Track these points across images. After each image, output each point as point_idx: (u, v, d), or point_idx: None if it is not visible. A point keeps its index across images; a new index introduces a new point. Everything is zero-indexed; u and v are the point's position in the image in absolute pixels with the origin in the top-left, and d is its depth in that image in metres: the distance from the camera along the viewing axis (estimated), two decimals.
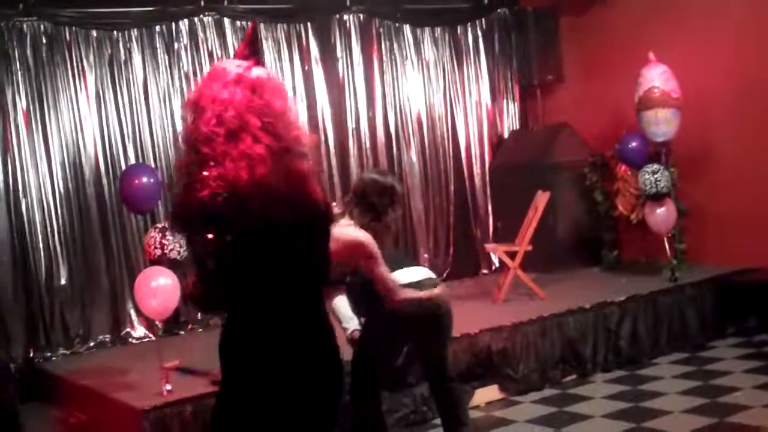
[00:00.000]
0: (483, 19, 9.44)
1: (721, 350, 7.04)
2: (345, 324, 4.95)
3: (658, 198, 7.37)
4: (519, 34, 9.38)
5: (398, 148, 8.91)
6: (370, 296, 4.54)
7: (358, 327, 4.91)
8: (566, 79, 9.27)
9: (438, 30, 9.18)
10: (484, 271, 9.19)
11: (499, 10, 9.50)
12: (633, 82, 7.49)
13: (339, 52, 8.59)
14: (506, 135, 9.56)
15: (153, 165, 7.38)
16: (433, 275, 4.88)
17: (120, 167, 7.33)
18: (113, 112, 7.47)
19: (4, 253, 6.97)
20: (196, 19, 7.85)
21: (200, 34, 7.86)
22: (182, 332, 7.45)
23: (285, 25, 8.29)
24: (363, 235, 4.29)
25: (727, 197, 7.83)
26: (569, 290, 7.63)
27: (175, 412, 5.10)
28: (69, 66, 7.30)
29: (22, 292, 7.03)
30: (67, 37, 7.31)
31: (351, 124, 8.62)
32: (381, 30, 8.85)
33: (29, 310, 7.05)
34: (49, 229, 7.15)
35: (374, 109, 8.77)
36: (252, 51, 2.85)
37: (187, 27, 7.81)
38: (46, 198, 7.17)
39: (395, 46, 8.92)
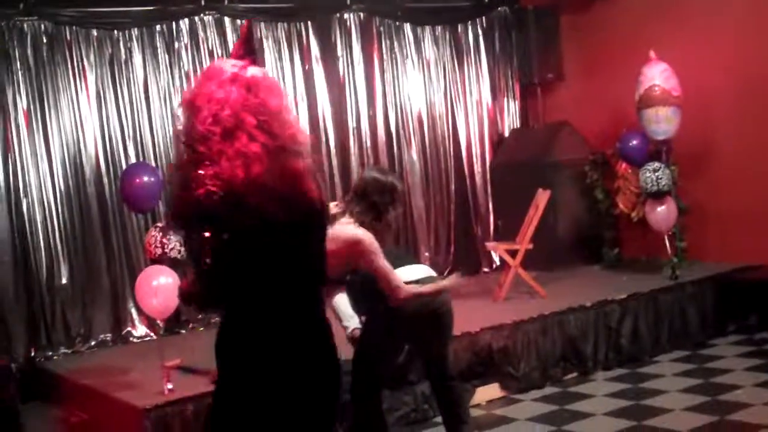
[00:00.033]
0: (483, 18, 9.44)
1: (722, 348, 7.04)
2: (345, 322, 4.95)
3: (658, 196, 7.37)
4: (519, 32, 9.38)
5: (399, 147, 8.91)
6: (370, 294, 4.56)
7: (359, 325, 4.91)
8: (567, 78, 9.27)
9: (438, 28, 9.18)
10: (485, 270, 9.19)
11: (499, 9, 9.50)
12: (633, 80, 7.49)
13: (339, 51, 8.59)
14: (507, 133, 9.56)
15: (153, 164, 7.39)
16: (434, 273, 4.89)
17: (121, 166, 7.34)
18: (114, 112, 7.48)
19: (5, 252, 6.97)
20: (196, 18, 7.85)
21: (200, 34, 7.86)
22: (183, 331, 7.45)
23: (285, 24, 8.29)
24: (362, 233, 4.30)
25: (728, 195, 7.84)
26: (570, 288, 7.63)
27: (176, 411, 5.11)
28: (69, 65, 7.31)
29: (23, 292, 7.04)
30: (68, 37, 7.32)
31: (352, 123, 8.62)
32: (381, 29, 8.85)
33: (30, 310, 7.06)
34: (50, 229, 7.16)
35: (375, 107, 8.77)
36: (247, 50, 2.85)
37: (187, 26, 7.82)
38: (47, 197, 7.17)
39: (396, 44, 8.92)
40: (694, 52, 7.82)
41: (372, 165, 8.46)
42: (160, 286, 5.37)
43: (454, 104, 9.26)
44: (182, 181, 2.62)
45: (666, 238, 7.54)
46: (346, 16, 8.65)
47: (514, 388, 6.33)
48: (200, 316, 7.38)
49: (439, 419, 5.16)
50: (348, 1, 8.62)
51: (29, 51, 7.14)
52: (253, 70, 2.73)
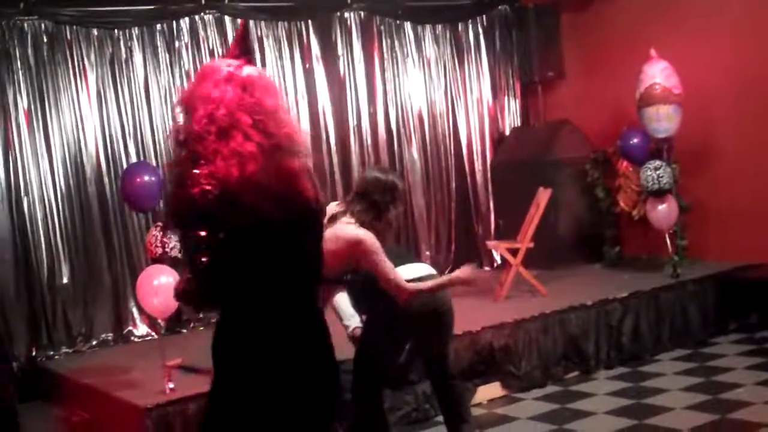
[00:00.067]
0: (484, 16, 9.44)
1: (723, 347, 7.03)
2: (346, 321, 4.95)
3: (660, 194, 7.37)
4: (520, 30, 9.38)
5: (399, 146, 8.91)
6: (371, 294, 4.56)
7: (360, 324, 4.92)
8: (567, 76, 9.27)
9: (439, 27, 9.17)
10: (486, 268, 9.18)
11: (500, 7, 9.49)
12: (634, 79, 7.49)
13: (340, 50, 8.59)
14: (507, 132, 9.56)
15: (154, 163, 7.39)
16: (434, 271, 4.88)
17: (121, 165, 7.34)
18: (114, 111, 7.48)
19: (6, 251, 6.98)
20: (196, 17, 7.85)
21: (201, 33, 7.86)
22: (184, 330, 7.45)
23: (286, 23, 8.29)
24: (363, 233, 4.30)
25: (729, 193, 7.84)
26: (571, 287, 7.63)
27: (177, 411, 5.10)
28: (70, 65, 7.31)
29: (24, 291, 7.04)
30: (68, 36, 7.32)
31: (352, 122, 8.62)
32: (382, 27, 8.85)
33: (31, 309, 7.07)
34: (50, 228, 7.16)
35: (375, 106, 8.77)
36: (243, 50, 2.85)
37: (187, 25, 7.82)
38: (48, 196, 7.18)
39: (396, 43, 8.92)
40: (694, 51, 7.81)
41: (373, 164, 8.46)
42: (161, 286, 5.36)
43: (455, 103, 9.26)
44: (178, 180, 2.63)
45: (667, 236, 7.53)
46: (346, 14, 8.65)
47: (515, 387, 6.33)
48: (201, 315, 7.38)
49: (440, 418, 5.16)
50: (348, 0, 8.62)
51: (30, 50, 7.14)
52: (248, 70, 2.73)
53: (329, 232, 4.30)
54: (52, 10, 7.22)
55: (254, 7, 8.12)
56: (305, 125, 8.29)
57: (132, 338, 7.42)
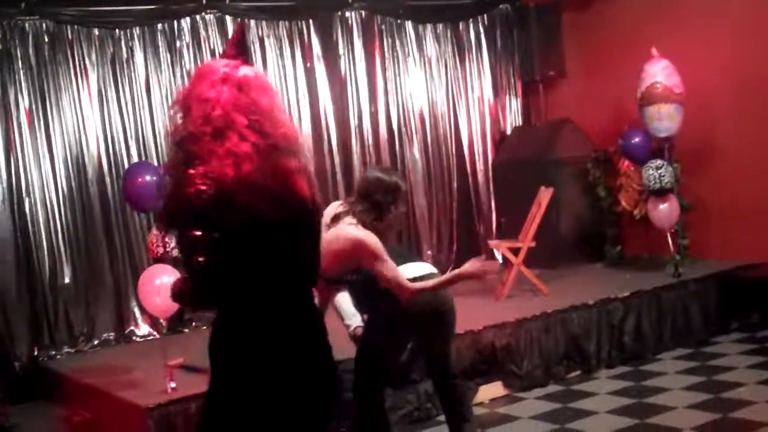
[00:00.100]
0: (485, 15, 9.43)
1: (725, 346, 7.03)
2: (348, 321, 4.95)
3: (661, 193, 7.36)
4: (521, 30, 9.38)
5: (401, 145, 8.90)
6: (372, 293, 4.56)
7: (361, 324, 4.91)
8: (568, 75, 9.27)
9: (440, 26, 9.17)
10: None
11: (501, 6, 9.49)
12: (635, 78, 7.48)
13: (341, 49, 8.59)
14: (509, 131, 9.56)
15: (156, 163, 7.37)
16: (435, 270, 4.88)
17: (123, 166, 7.34)
18: (116, 111, 7.48)
19: (8, 252, 6.97)
20: (198, 17, 7.85)
21: (202, 32, 7.86)
22: (186, 330, 7.45)
23: (287, 23, 8.29)
24: (364, 234, 4.28)
25: (730, 192, 7.83)
26: (573, 286, 7.63)
27: (179, 410, 5.11)
28: (71, 64, 7.30)
29: (26, 291, 7.04)
30: (69, 36, 7.31)
31: (353, 121, 8.62)
32: (383, 27, 8.84)
33: (33, 309, 7.07)
34: (52, 228, 7.16)
35: (376, 105, 8.76)
36: (239, 50, 2.85)
37: (189, 25, 7.81)
38: (50, 197, 7.17)
39: (397, 42, 8.92)
40: (695, 50, 7.80)
41: (374, 164, 8.46)
42: (163, 285, 5.36)
43: (456, 102, 9.26)
44: (174, 181, 2.64)
45: (668, 235, 7.53)
46: (347, 14, 8.65)
47: (517, 387, 6.33)
48: (202, 314, 7.38)
49: (442, 418, 5.16)
50: (349, 0, 8.62)
51: (31, 50, 7.14)
52: (244, 70, 2.73)
53: (332, 233, 4.30)
54: (53, 10, 7.22)
55: (255, 7, 8.12)
56: (306, 125, 8.30)
57: (134, 338, 7.42)
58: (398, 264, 4.51)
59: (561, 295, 7.13)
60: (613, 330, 6.82)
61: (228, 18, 7.96)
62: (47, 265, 7.12)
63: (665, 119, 7.35)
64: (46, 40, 7.22)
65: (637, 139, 7.75)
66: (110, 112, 7.44)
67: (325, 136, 8.43)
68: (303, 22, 8.38)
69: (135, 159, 7.45)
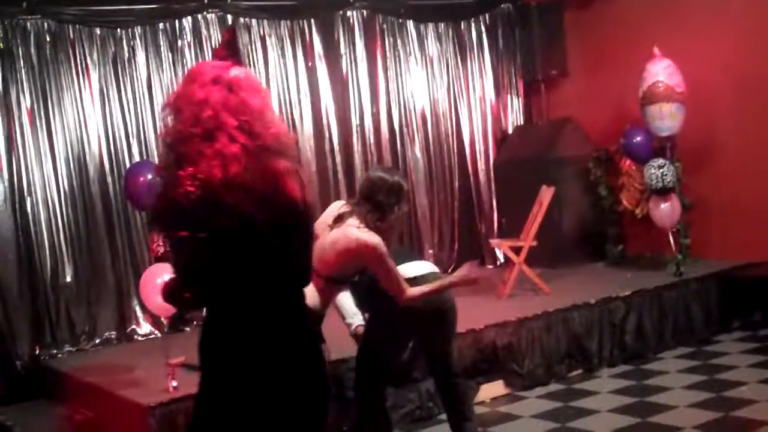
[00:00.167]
0: (487, 14, 9.43)
1: (727, 344, 7.03)
2: (349, 319, 4.95)
3: (663, 192, 7.36)
4: (523, 29, 9.37)
5: (402, 144, 8.90)
6: (374, 293, 4.55)
7: (362, 322, 4.91)
8: (570, 74, 9.26)
9: (441, 25, 9.17)
10: (489, 267, 9.18)
11: (502, 5, 9.49)
12: (637, 77, 7.48)
13: (342, 49, 8.58)
14: (510, 130, 9.55)
15: (157, 162, 7.38)
16: (437, 269, 4.89)
17: (124, 165, 7.34)
18: (117, 110, 7.48)
19: (10, 251, 6.97)
20: (199, 16, 7.84)
21: (204, 32, 7.85)
22: (188, 329, 7.43)
23: (288, 22, 8.28)
24: (367, 236, 4.25)
25: (731, 192, 7.83)
26: (574, 285, 7.63)
27: (181, 409, 5.10)
28: (73, 64, 7.31)
29: (28, 290, 7.04)
30: (71, 35, 7.32)
31: (355, 121, 8.62)
32: (384, 26, 8.84)
33: (35, 308, 7.07)
34: (54, 227, 7.17)
35: (378, 105, 8.76)
36: (230, 52, 2.85)
37: (190, 24, 7.81)
38: (51, 196, 7.18)
39: (399, 42, 8.91)
40: (697, 49, 7.80)
41: (376, 163, 8.47)
42: None
43: (458, 101, 9.26)
44: (164, 182, 2.65)
45: (670, 234, 7.53)
46: (349, 13, 8.65)
47: (518, 385, 6.33)
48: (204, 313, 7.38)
49: (443, 416, 5.16)
50: None
51: (33, 49, 7.14)
52: (235, 71, 2.73)
53: (336, 234, 4.29)
54: (54, 9, 7.22)
55: (257, 6, 8.12)
56: (308, 124, 8.30)
57: (135, 337, 7.42)
58: (400, 263, 4.50)
59: (562, 294, 7.13)
60: (614, 329, 6.82)
61: (230, 17, 7.95)
62: (49, 264, 7.12)
63: (667, 118, 7.35)
64: (48, 39, 7.22)
65: (638, 138, 7.74)
66: (112, 112, 7.45)
67: (327, 136, 8.43)
68: (304, 22, 8.38)
69: (136, 158, 7.45)
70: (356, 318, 4.93)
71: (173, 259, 2.68)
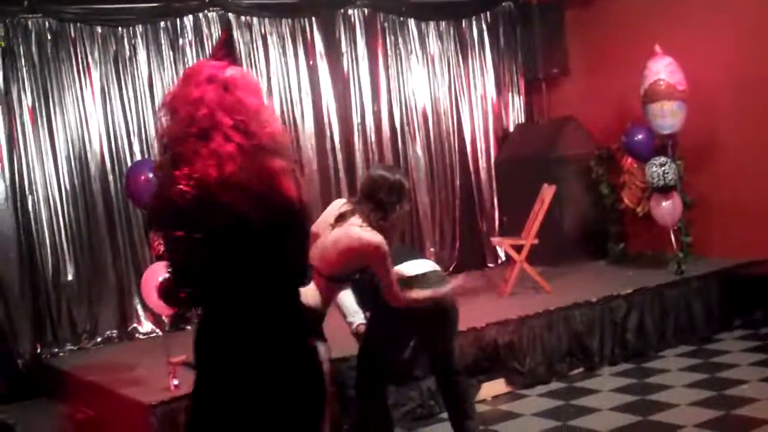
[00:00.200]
0: (488, 13, 9.42)
1: (728, 343, 7.03)
2: (350, 318, 4.94)
3: (665, 191, 7.36)
4: (524, 27, 9.36)
5: (404, 143, 8.90)
6: (376, 291, 4.55)
7: (364, 321, 4.91)
8: (571, 72, 9.25)
9: (443, 24, 9.16)
10: (490, 265, 9.18)
11: (504, 4, 9.48)
12: (638, 75, 7.48)
13: (344, 47, 8.58)
14: (511, 128, 9.55)
15: None
16: (438, 267, 4.88)
17: (126, 163, 7.33)
18: (118, 108, 7.47)
19: (11, 249, 6.97)
20: (200, 14, 7.83)
21: (205, 30, 7.85)
22: (189, 327, 7.43)
23: (289, 20, 8.28)
24: (373, 236, 4.25)
25: (732, 190, 7.83)
26: (575, 283, 7.63)
27: (182, 407, 5.09)
28: (74, 62, 7.30)
29: (29, 289, 7.04)
30: (72, 34, 7.31)
31: (356, 119, 8.61)
32: (386, 24, 8.84)
33: (36, 307, 7.07)
34: (55, 226, 7.17)
35: (379, 103, 8.76)
36: (226, 51, 2.85)
37: (191, 23, 7.81)
38: (52, 194, 7.18)
39: (400, 40, 8.91)
40: (698, 47, 7.79)
41: (377, 162, 8.46)
42: None
43: (459, 99, 9.25)
44: (160, 182, 2.65)
45: (671, 232, 7.53)
46: (350, 11, 8.64)
47: (519, 384, 6.33)
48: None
49: (444, 415, 5.16)
50: None
51: (34, 48, 7.14)
52: (231, 70, 2.72)
53: (338, 233, 4.28)
54: (55, 8, 7.21)
55: (258, 5, 8.11)
56: (309, 123, 8.30)
57: (137, 335, 7.42)
58: (401, 261, 4.50)
59: (564, 292, 7.13)
60: (615, 327, 6.83)
61: (231, 16, 7.95)
62: (50, 263, 7.12)
63: (668, 116, 7.34)
64: (49, 37, 7.21)
65: (640, 137, 7.73)
66: (113, 110, 7.44)
67: (328, 134, 8.42)
68: (306, 20, 8.37)
69: (138, 156, 7.44)
70: (357, 317, 4.93)
71: (168, 259, 2.68)
